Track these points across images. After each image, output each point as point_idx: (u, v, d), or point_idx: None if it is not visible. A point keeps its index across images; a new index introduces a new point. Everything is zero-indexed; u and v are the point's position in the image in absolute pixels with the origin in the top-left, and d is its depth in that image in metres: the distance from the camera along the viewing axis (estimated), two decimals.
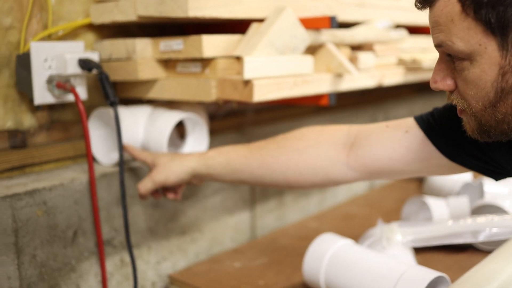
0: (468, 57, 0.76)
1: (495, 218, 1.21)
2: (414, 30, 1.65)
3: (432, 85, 0.83)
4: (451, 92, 0.82)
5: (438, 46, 0.79)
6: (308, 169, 1.07)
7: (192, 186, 1.34)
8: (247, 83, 1.04)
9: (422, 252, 1.32)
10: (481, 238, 1.20)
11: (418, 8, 0.81)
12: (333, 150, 1.06)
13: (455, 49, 0.76)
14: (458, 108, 0.83)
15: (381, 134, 1.03)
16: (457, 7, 0.74)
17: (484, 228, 1.19)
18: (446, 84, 0.82)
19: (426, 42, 1.63)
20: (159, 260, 1.29)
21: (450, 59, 0.80)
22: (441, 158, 0.99)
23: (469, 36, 0.74)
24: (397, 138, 1.02)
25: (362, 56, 1.31)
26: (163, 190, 1.20)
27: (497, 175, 0.97)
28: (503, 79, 0.74)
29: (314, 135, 1.10)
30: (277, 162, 1.08)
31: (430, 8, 0.79)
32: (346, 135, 1.07)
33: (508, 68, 0.73)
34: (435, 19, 0.77)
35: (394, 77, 1.46)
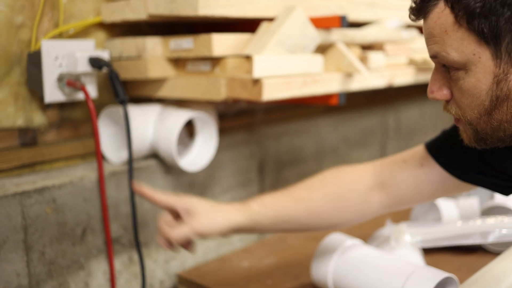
0: (463, 67, 0.77)
1: (505, 219, 1.20)
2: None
3: (429, 95, 0.84)
4: (447, 101, 0.83)
5: (433, 57, 0.80)
6: (351, 214, 1.09)
7: (200, 185, 1.34)
8: (257, 82, 1.04)
9: (431, 253, 1.31)
10: (491, 239, 1.19)
11: (412, 20, 0.82)
12: (369, 195, 1.07)
13: (450, 60, 0.77)
14: (455, 117, 0.84)
15: (401, 171, 1.05)
16: (450, 18, 0.75)
17: (493, 229, 1.18)
18: (443, 94, 0.82)
19: None
20: (167, 259, 1.30)
21: (446, 69, 0.80)
22: (458, 182, 1.00)
23: (463, 46, 0.75)
24: (417, 175, 1.03)
25: (373, 55, 1.31)
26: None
27: (508, 189, 0.98)
28: (498, 87, 0.75)
29: (350, 180, 1.09)
30: (323, 211, 1.08)
31: (424, 20, 0.80)
32: (374, 176, 1.08)
33: (502, 76, 0.74)
34: (429, 30, 0.78)
35: (405, 77, 1.45)
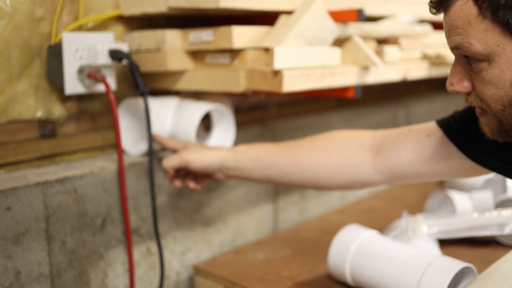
0: (486, 58, 0.77)
1: None
2: (437, 25, 1.65)
3: (449, 88, 0.84)
4: (468, 94, 0.83)
5: (454, 48, 0.81)
6: (337, 170, 1.10)
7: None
8: (277, 73, 1.05)
9: (446, 246, 1.32)
10: (507, 230, 1.20)
11: (432, 13, 0.82)
12: (360, 153, 1.08)
13: (473, 51, 0.78)
14: (478, 110, 0.84)
15: (405, 138, 1.05)
16: (474, 10, 0.76)
17: (510, 221, 1.19)
18: (463, 86, 0.83)
19: None
20: (184, 250, 1.31)
21: (467, 61, 0.81)
22: (463, 159, 1.00)
23: (487, 37, 0.76)
24: (420, 142, 1.03)
25: (388, 49, 1.32)
26: (184, 176, 1.20)
27: None
28: None
29: (342, 137, 1.12)
30: (306, 160, 1.10)
31: (445, 13, 0.80)
32: (373, 139, 1.09)
33: None
34: (452, 22, 0.79)
35: (418, 71, 1.46)
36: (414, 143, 1.04)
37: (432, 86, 2.43)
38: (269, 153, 1.12)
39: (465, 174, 1.04)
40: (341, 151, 1.09)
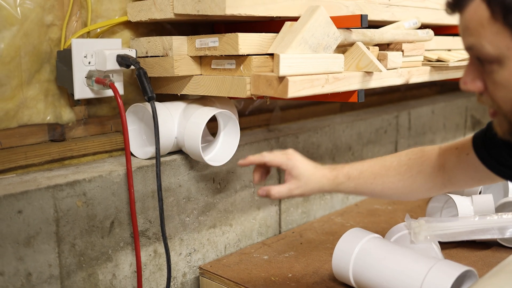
0: (497, 60, 0.78)
1: None
2: (437, 29, 1.67)
3: (462, 86, 0.86)
4: (481, 93, 0.85)
5: (468, 49, 0.82)
6: (418, 192, 1.19)
7: (224, 181, 1.38)
8: (282, 79, 1.07)
9: (447, 248, 1.34)
10: (508, 234, 1.22)
11: (448, 13, 0.84)
12: (434, 175, 1.16)
13: (484, 53, 0.79)
14: (490, 110, 0.86)
15: (455, 158, 1.14)
16: (486, 12, 0.77)
17: (511, 225, 1.21)
18: (476, 85, 0.84)
19: (451, 42, 1.65)
20: (190, 252, 1.33)
21: (480, 62, 0.82)
22: (490, 173, 1.07)
23: (498, 40, 0.77)
24: (465, 162, 1.12)
25: (391, 55, 1.34)
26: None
27: None
28: None
29: (421, 162, 1.18)
30: (395, 187, 1.18)
31: (460, 14, 0.82)
32: (438, 159, 1.17)
33: None
34: (466, 23, 0.80)
35: (421, 75, 1.48)
36: (461, 163, 1.12)
37: (433, 91, 2.45)
38: (366, 184, 1.18)
39: (489, 182, 1.13)
40: (422, 176, 1.16)
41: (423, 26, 1.57)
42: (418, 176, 1.16)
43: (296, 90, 1.09)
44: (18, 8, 1.10)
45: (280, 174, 1.54)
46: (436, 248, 1.20)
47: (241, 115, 1.54)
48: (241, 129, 1.45)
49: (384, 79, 1.32)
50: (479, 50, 0.79)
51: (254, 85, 1.12)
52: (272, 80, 1.09)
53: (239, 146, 1.31)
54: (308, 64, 1.12)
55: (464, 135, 2.48)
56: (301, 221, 1.65)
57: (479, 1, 0.78)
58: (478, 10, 0.78)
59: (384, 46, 1.42)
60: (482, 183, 1.14)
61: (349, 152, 1.80)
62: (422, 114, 2.17)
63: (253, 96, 1.14)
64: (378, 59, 1.32)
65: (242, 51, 1.11)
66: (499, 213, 1.28)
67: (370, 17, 1.39)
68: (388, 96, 2.19)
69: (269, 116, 1.65)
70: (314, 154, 1.65)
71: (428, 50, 1.57)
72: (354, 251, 1.13)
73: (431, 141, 2.26)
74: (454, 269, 1.01)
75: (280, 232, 1.58)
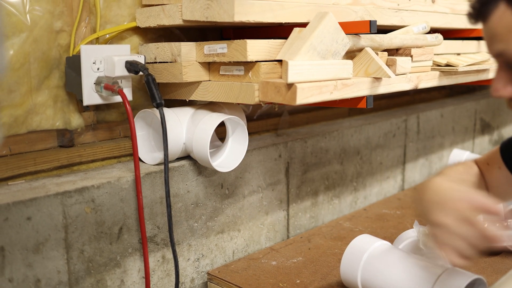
0: None
1: None
2: (447, 33, 1.66)
3: (494, 94, 0.86)
4: (511, 99, 0.85)
5: (497, 56, 0.83)
6: None
7: (232, 186, 1.38)
8: (290, 86, 1.07)
9: None
10: None
11: (471, 24, 0.84)
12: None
13: None
14: None
15: (489, 174, 1.13)
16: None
17: None
18: (509, 91, 0.85)
19: (460, 46, 1.64)
20: (198, 257, 1.33)
21: (510, 68, 0.82)
22: None
23: None
24: (498, 177, 1.12)
25: (400, 60, 1.33)
26: None
27: None
28: None
29: (473, 184, 1.14)
30: None
31: (484, 22, 0.82)
32: (479, 175, 1.15)
33: None
34: (492, 31, 0.81)
35: (430, 80, 1.48)
36: (496, 178, 1.12)
37: (442, 94, 2.44)
38: None
39: None
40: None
41: (432, 30, 1.57)
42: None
43: (304, 97, 1.09)
44: (27, 15, 1.10)
45: (288, 177, 1.54)
46: None
47: (249, 119, 1.54)
48: (249, 133, 1.45)
49: (393, 84, 1.32)
50: (510, 56, 0.80)
51: (263, 91, 1.12)
52: (281, 87, 1.09)
53: (247, 151, 1.31)
54: (316, 71, 1.12)
55: (474, 139, 2.47)
56: (309, 226, 1.64)
57: (504, 7, 0.79)
58: (504, 16, 0.79)
59: (393, 51, 1.42)
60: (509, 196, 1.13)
61: (358, 156, 1.79)
62: (431, 117, 2.17)
63: (261, 103, 1.14)
64: (387, 65, 1.32)
65: (251, 57, 1.11)
66: (508, 220, 1.27)
67: (379, 22, 1.38)
68: (397, 100, 2.19)
69: (277, 120, 1.64)
70: (322, 159, 1.64)
71: (437, 55, 1.56)
72: (363, 258, 1.13)
73: (440, 144, 2.25)
74: (463, 278, 1.00)
75: (288, 237, 1.58)
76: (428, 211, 0.94)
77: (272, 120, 1.63)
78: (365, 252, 1.14)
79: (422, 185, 1.01)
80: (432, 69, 1.51)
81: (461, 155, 1.95)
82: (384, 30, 1.46)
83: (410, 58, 1.39)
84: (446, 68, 1.52)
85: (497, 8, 0.80)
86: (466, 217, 0.88)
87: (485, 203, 0.91)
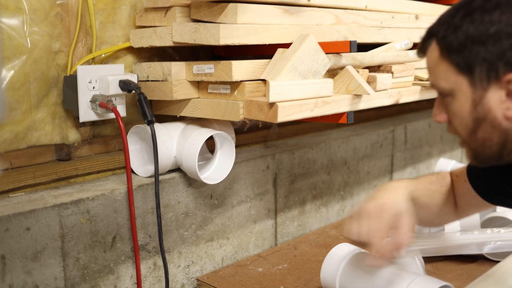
0: (450, 94, 0.91)
1: (501, 230, 1.29)
2: None
3: (434, 118, 0.99)
4: (448, 124, 0.96)
5: (432, 86, 0.96)
6: (440, 220, 1.27)
7: (221, 197, 1.45)
8: (272, 105, 1.15)
9: (433, 261, 1.41)
10: (486, 250, 1.28)
11: (420, 57, 0.98)
12: (452, 206, 1.24)
13: (441, 88, 0.93)
14: (459, 140, 0.99)
15: (457, 185, 1.23)
16: (437, 53, 0.91)
17: (489, 241, 1.28)
18: (442, 117, 0.98)
19: None
20: (188, 264, 1.40)
21: (442, 96, 0.95)
22: (483, 201, 1.17)
23: (447, 76, 0.91)
24: (464, 189, 1.21)
25: (380, 77, 1.41)
26: None
27: None
28: (476, 110, 0.89)
29: (442, 195, 1.24)
30: (431, 222, 1.28)
31: (424, 57, 0.97)
32: (449, 185, 1.24)
33: (479, 100, 0.88)
34: (427, 64, 0.95)
35: (411, 95, 1.55)
36: (461, 190, 1.21)
37: (430, 104, 2.51)
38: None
39: (484, 209, 1.22)
40: (445, 207, 1.23)
41: (416, 46, 1.64)
42: (444, 209, 1.22)
43: (285, 115, 1.16)
44: (28, 38, 1.18)
45: (276, 188, 1.61)
46: (419, 263, 1.27)
47: (239, 132, 1.62)
48: (239, 145, 1.53)
49: (373, 100, 1.39)
50: (437, 86, 0.94)
51: (247, 109, 1.20)
52: (263, 106, 1.16)
53: (235, 163, 1.38)
54: (297, 90, 1.19)
55: (462, 148, 2.53)
56: (297, 234, 1.72)
57: (434, 44, 0.92)
58: (433, 52, 0.93)
59: (375, 68, 1.49)
60: (480, 210, 1.22)
61: (345, 167, 1.87)
62: (418, 128, 2.24)
63: (246, 120, 1.21)
64: (368, 82, 1.39)
65: (236, 77, 1.19)
66: (483, 229, 1.34)
67: (362, 40, 1.46)
68: (386, 110, 2.25)
69: (266, 132, 1.72)
70: (309, 169, 1.72)
71: (420, 69, 1.63)
72: (340, 266, 1.20)
73: (428, 153, 2.32)
74: (431, 285, 1.07)
75: (276, 244, 1.65)
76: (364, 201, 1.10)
77: (261, 132, 1.70)
78: (342, 259, 1.21)
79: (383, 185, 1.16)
80: (414, 84, 1.59)
81: (447, 164, 2.01)
82: (368, 46, 1.53)
83: (391, 74, 1.47)
84: (427, 83, 1.59)
85: (431, 45, 0.93)
86: (381, 220, 1.03)
87: (402, 232, 1.03)
